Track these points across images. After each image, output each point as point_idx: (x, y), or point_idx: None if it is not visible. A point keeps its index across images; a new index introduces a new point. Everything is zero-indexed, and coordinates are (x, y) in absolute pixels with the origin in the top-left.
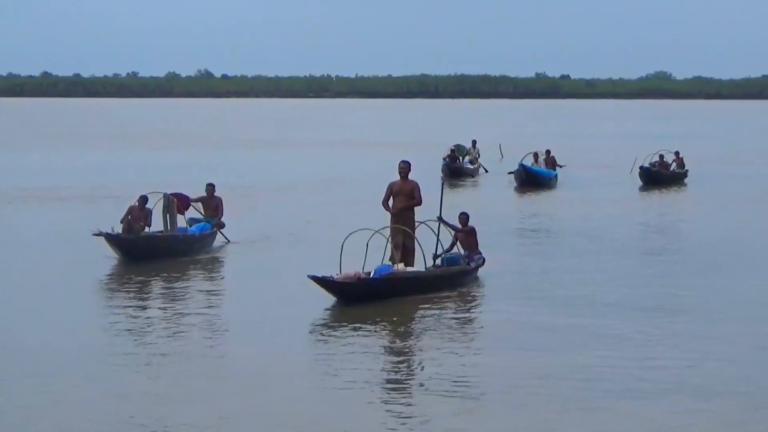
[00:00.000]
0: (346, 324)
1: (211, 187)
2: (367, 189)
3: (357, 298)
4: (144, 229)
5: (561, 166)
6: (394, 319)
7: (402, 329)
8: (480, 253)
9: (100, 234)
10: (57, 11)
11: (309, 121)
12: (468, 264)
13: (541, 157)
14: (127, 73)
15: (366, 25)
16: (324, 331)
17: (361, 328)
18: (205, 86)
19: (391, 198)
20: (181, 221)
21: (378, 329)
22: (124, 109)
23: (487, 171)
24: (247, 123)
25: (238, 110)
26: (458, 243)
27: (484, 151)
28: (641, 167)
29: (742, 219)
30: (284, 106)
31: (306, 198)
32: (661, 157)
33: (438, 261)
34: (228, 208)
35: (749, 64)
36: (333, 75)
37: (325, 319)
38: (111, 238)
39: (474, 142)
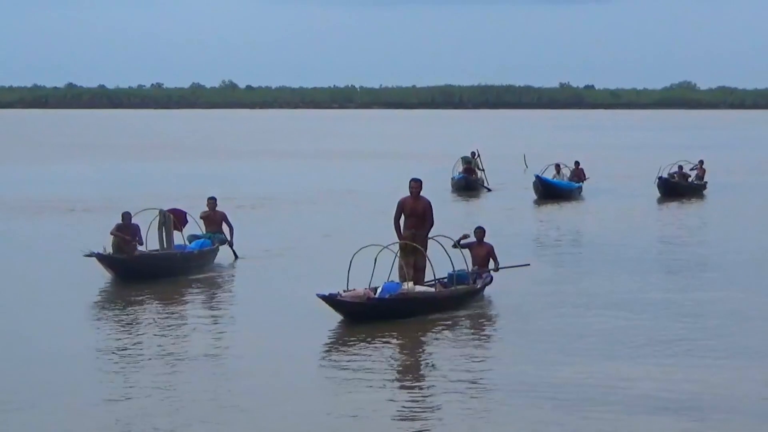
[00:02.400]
0: (353, 345)
1: (212, 201)
2: (383, 201)
3: (366, 318)
4: (137, 246)
5: (586, 179)
6: (404, 339)
7: (411, 350)
8: (489, 271)
9: (91, 255)
10: (81, 23)
11: (332, 131)
12: (475, 281)
13: (564, 169)
14: (152, 84)
15: (390, 35)
16: (331, 353)
17: (369, 349)
18: (230, 97)
19: (403, 217)
20: (179, 239)
21: (387, 350)
22: (148, 120)
23: (489, 190)
24: (271, 134)
25: (262, 121)
26: (470, 257)
27: (506, 162)
28: (659, 178)
29: (761, 231)
30: (308, 117)
31: (319, 211)
32: (680, 167)
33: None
34: (241, 220)
35: None
36: (357, 85)
37: (332, 340)
38: (103, 259)
39: (473, 153)
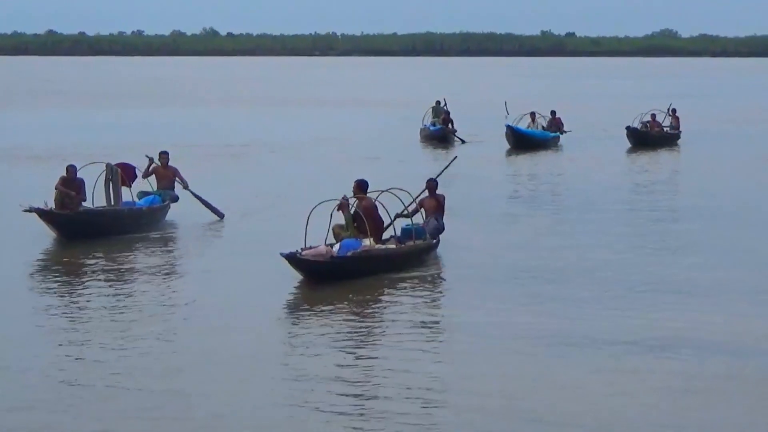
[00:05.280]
0: (315, 306)
1: (165, 156)
2: (358, 149)
3: (328, 277)
4: (80, 203)
5: (564, 132)
6: (365, 299)
7: (374, 310)
8: (436, 219)
9: (31, 210)
10: None
11: (311, 79)
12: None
13: (539, 118)
14: (132, 32)
15: None
16: (291, 314)
17: (331, 310)
18: (210, 44)
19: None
20: (128, 195)
21: (348, 311)
22: (128, 68)
23: (463, 141)
24: (251, 81)
25: (242, 68)
26: (422, 209)
27: (486, 110)
28: (628, 127)
29: (731, 183)
30: (289, 65)
31: (291, 160)
32: (653, 116)
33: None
34: (208, 170)
35: (755, 21)
36: (338, 33)
37: (292, 300)
38: (44, 215)
39: (438, 102)
